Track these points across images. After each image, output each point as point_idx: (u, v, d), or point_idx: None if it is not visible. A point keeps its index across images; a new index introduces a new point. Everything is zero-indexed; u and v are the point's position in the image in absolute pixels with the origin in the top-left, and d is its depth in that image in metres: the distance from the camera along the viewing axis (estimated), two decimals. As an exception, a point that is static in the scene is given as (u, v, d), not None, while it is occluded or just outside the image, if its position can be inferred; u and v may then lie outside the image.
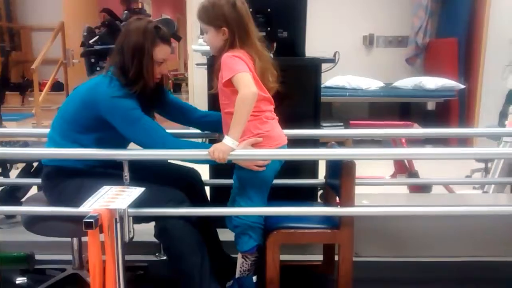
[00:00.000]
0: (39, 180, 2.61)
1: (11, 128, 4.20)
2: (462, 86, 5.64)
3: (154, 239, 2.13)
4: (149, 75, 2.02)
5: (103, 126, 2.00)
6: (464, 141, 5.43)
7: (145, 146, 2.03)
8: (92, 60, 3.33)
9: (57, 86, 6.51)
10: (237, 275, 2.17)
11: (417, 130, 3.20)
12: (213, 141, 2.20)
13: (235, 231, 2.12)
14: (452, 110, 5.84)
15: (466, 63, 5.79)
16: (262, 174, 2.07)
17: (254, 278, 2.17)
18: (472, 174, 4.01)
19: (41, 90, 5.85)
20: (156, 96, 2.17)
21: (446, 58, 5.93)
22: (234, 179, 2.15)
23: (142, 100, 2.03)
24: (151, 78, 2.04)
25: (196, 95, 5.93)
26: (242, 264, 2.14)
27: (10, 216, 3.18)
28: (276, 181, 2.26)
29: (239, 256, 2.15)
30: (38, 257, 2.50)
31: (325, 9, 6.00)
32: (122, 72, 2.01)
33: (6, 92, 5.07)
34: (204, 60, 4.18)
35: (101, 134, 2.03)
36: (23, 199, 3.09)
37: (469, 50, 5.74)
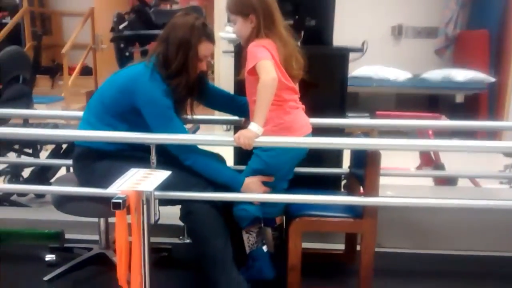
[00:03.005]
0: (68, 161, 2.69)
1: (42, 110, 4.29)
2: (493, 79, 5.52)
3: (179, 222, 2.17)
4: (192, 70, 2.05)
5: (137, 116, 2.03)
6: (492, 135, 5.33)
7: (168, 145, 2.07)
8: (122, 46, 3.39)
9: (86, 71, 6.61)
10: (247, 251, 2.19)
11: (444, 122, 3.17)
12: (238, 128, 2.22)
13: (234, 209, 2.15)
14: (481, 104, 5.73)
15: (497, 55, 5.66)
16: (276, 166, 2.10)
17: (265, 248, 2.19)
18: (506, 170, 3.92)
19: (70, 74, 5.96)
20: (196, 86, 2.18)
21: (477, 50, 5.80)
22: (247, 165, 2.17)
23: (182, 91, 2.06)
24: (193, 73, 2.07)
25: (222, 82, 5.95)
26: (248, 239, 2.17)
27: (39, 196, 3.28)
28: (300, 169, 2.27)
29: (243, 233, 2.18)
30: (66, 236, 2.57)
31: (354, -2, 5.93)
32: (164, 63, 2.04)
33: (37, 75, 5.20)
34: (230, 47, 4.20)
35: (135, 123, 2.06)
36: (52, 180, 3.18)
37: (501, 43, 5.60)
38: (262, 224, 2.19)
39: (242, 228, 2.17)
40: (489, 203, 2.25)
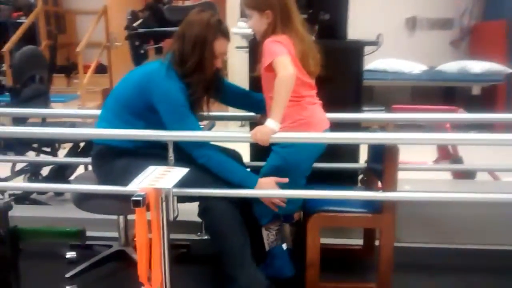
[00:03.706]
0: (86, 160, 2.72)
1: (59, 109, 4.34)
2: (510, 71, 5.43)
3: (197, 219, 2.19)
4: (208, 67, 2.05)
5: (154, 113, 2.04)
6: (511, 127, 5.25)
7: (181, 143, 2.07)
8: (136, 43, 3.41)
9: (101, 69, 6.66)
10: (267, 248, 2.20)
11: (463, 115, 3.13)
12: (253, 125, 2.22)
13: (254, 207, 2.16)
14: (498, 95, 5.65)
15: (515, 46, 5.57)
16: (295, 163, 2.09)
17: (284, 246, 2.20)
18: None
19: (85, 73, 6.01)
20: (213, 83, 2.19)
21: (493, 41, 5.72)
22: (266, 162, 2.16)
23: (199, 89, 2.06)
24: (209, 70, 2.07)
25: (236, 78, 5.95)
26: (267, 236, 2.18)
27: (59, 194, 3.32)
28: (317, 165, 2.26)
29: (262, 230, 2.18)
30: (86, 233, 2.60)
31: (367, -9, 5.87)
32: (180, 61, 2.04)
33: (53, 75, 5.25)
34: (243, 43, 4.19)
35: (152, 120, 2.06)
36: (70, 178, 3.22)
37: (519, 33, 5.51)
38: (282, 222, 2.20)
39: (261, 226, 2.17)
40: (509, 196, 2.22)
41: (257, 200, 2.13)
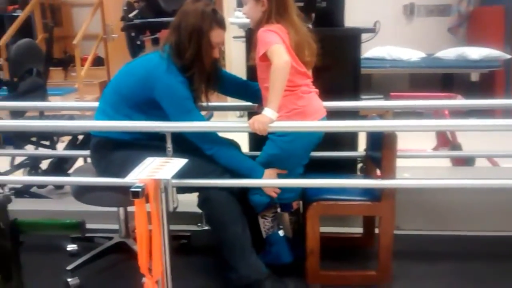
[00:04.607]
0: (85, 152, 2.72)
1: (57, 102, 4.33)
2: (508, 56, 5.41)
3: (196, 209, 2.19)
4: (206, 58, 2.04)
5: (155, 107, 2.03)
6: (510, 113, 5.24)
7: (190, 136, 2.08)
8: (133, 34, 3.39)
9: (98, 61, 6.63)
10: (264, 236, 2.21)
11: (460, 101, 3.12)
12: (252, 114, 2.21)
13: (249, 195, 2.17)
14: (497, 81, 5.63)
15: (513, 32, 5.54)
16: (291, 152, 2.10)
17: (281, 232, 2.21)
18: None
19: (82, 65, 5.99)
20: (212, 74, 2.18)
21: (492, 27, 5.69)
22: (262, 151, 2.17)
23: (199, 80, 2.06)
24: (207, 61, 2.06)
25: (234, 68, 5.93)
26: (263, 223, 2.19)
27: (58, 187, 3.32)
28: (315, 153, 2.26)
29: (259, 218, 2.20)
30: (86, 225, 2.60)
31: (364, -22, 5.82)
32: (178, 52, 2.03)
33: (50, 68, 5.22)
34: (240, 33, 4.16)
35: (152, 114, 2.07)
36: (70, 171, 3.22)
37: (517, 18, 5.49)
38: (279, 209, 2.20)
39: (257, 214, 2.18)
40: (508, 182, 2.22)
41: (253, 189, 2.14)
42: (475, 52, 5.46)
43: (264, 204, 2.17)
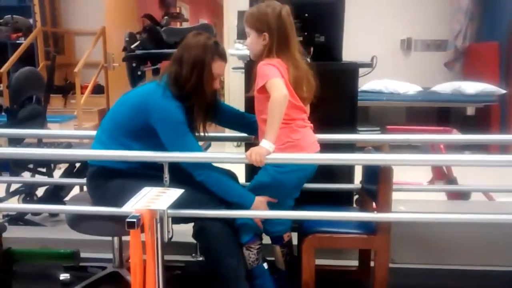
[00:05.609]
0: (82, 180, 2.72)
1: (55, 130, 4.34)
2: (503, 91, 5.49)
3: (191, 240, 2.18)
4: (207, 89, 2.08)
5: (150, 135, 2.05)
6: (505, 148, 5.28)
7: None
8: (134, 65, 3.42)
9: (98, 89, 6.68)
10: (248, 267, 2.18)
11: (456, 136, 3.15)
12: (249, 145, 2.23)
13: (235, 224, 2.15)
14: (492, 116, 5.69)
15: (507, 67, 5.64)
16: (281, 182, 2.10)
17: (265, 265, 2.19)
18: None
19: (82, 93, 6.03)
20: (211, 106, 2.21)
21: (487, 63, 5.79)
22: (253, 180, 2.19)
23: (198, 111, 2.09)
24: (209, 92, 2.09)
25: (232, 99, 5.99)
26: (248, 255, 2.17)
27: (53, 215, 3.30)
28: (311, 185, 2.27)
29: (243, 250, 2.17)
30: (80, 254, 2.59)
31: (362, 13, 5.93)
32: (176, 83, 2.06)
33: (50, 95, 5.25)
34: (240, 64, 4.22)
35: (148, 142, 2.08)
36: (65, 198, 3.21)
37: (511, 54, 5.58)
38: (263, 241, 2.19)
39: (242, 245, 2.17)
40: (503, 217, 2.23)
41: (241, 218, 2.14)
42: (471, 87, 5.54)
43: (250, 235, 2.15)
